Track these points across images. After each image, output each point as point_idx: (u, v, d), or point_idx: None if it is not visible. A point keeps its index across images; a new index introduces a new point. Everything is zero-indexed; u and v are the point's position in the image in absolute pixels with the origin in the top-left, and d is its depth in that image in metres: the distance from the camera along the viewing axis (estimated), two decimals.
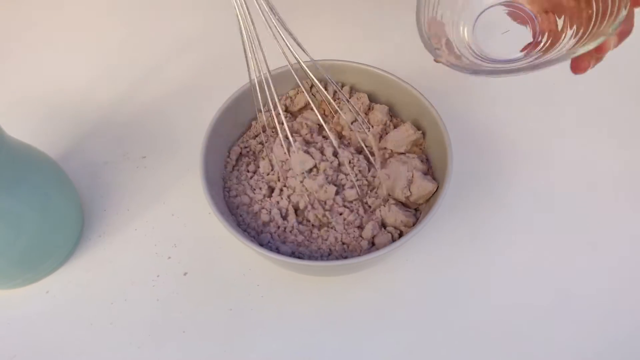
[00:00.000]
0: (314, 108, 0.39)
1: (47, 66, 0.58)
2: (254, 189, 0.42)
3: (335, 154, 0.42)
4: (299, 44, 0.37)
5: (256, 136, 0.46)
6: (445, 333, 0.40)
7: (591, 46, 0.29)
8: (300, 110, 0.47)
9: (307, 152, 0.42)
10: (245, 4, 0.34)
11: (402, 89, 0.43)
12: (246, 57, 0.37)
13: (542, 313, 0.41)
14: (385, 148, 0.44)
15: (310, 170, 0.41)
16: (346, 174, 0.42)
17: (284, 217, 0.41)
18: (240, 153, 0.45)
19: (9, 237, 0.37)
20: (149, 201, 0.47)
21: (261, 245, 0.39)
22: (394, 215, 0.40)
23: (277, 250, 0.39)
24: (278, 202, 0.41)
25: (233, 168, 0.44)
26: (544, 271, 0.43)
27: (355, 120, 0.44)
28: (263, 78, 0.38)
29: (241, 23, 0.35)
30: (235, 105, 0.43)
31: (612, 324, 0.40)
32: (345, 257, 0.39)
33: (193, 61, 0.57)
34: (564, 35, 0.33)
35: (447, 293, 0.42)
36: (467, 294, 0.42)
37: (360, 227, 0.40)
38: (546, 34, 0.34)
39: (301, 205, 0.41)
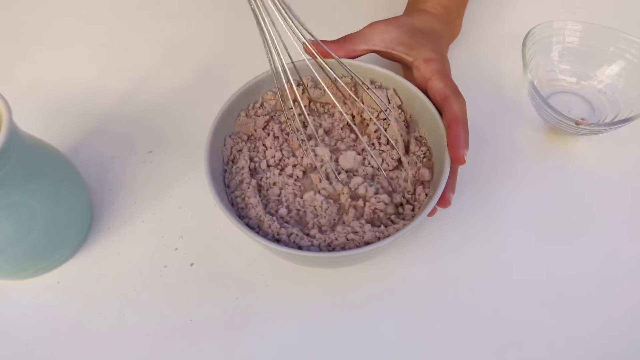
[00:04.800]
0: (331, 95, 0.41)
1: (55, 63, 0.59)
2: (258, 183, 0.43)
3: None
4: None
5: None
6: (448, 323, 0.41)
7: None
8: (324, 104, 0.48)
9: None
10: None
11: (405, 89, 0.44)
12: (268, 47, 0.39)
13: (543, 303, 0.41)
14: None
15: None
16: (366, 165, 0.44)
17: (287, 209, 0.42)
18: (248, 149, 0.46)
19: (23, 229, 0.38)
20: (155, 194, 0.48)
21: (266, 237, 0.39)
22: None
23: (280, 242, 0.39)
24: (282, 197, 0.42)
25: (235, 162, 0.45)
26: (544, 266, 0.43)
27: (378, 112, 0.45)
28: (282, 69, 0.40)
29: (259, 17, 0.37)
30: (240, 100, 0.44)
31: (610, 320, 0.41)
32: (348, 248, 0.39)
33: (199, 57, 0.58)
34: None
35: (449, 283, 0.42)
36: (468, 284, 0.42)
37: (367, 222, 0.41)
38: None
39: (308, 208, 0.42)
